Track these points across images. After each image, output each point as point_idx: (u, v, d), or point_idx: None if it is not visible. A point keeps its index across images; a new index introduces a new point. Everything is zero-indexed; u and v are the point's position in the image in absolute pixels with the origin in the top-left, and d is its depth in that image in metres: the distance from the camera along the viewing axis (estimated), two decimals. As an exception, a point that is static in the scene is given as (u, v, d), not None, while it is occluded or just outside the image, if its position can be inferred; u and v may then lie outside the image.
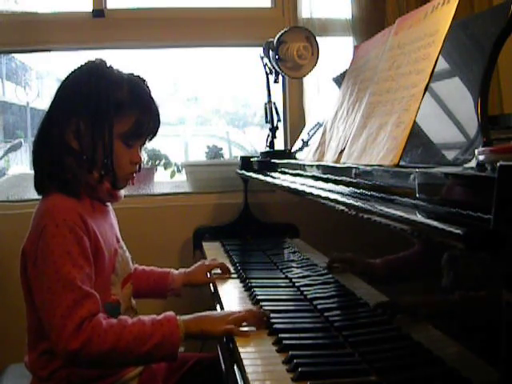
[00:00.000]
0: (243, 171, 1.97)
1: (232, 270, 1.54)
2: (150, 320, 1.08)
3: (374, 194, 0.86)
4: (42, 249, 1.08)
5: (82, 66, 1.21)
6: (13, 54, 2.45)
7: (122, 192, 1.28)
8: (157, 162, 2.39)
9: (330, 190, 1.03)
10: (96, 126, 1.15)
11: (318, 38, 1.75)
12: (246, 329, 1.08)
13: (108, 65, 1.21)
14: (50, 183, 1.16)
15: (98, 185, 1.19)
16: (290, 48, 1.75)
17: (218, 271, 1.52)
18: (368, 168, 0.92)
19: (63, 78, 1.22)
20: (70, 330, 1.01)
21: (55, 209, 1.11)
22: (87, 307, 1.04)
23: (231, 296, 1.35)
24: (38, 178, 1.19)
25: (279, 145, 2.16)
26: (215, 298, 1.36)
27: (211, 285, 1.47)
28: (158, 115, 1.24)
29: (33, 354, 1.17)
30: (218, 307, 1.27)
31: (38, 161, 1.20)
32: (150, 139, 1.27)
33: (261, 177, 1.68)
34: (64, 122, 1.16)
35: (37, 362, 1.16)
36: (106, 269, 1.18)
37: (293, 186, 1.26)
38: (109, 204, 1.29)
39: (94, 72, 1.19)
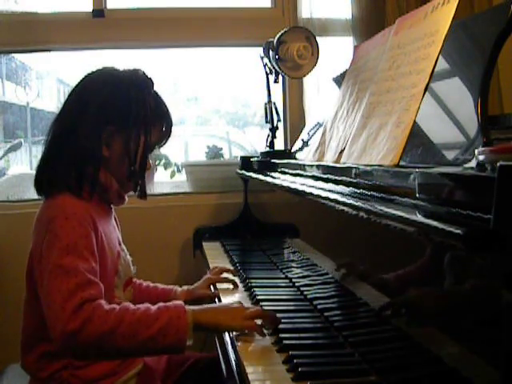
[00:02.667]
0: (243, 171, 1.97)
1: (236, 279, 1.45)
2: (155, 306, 1.05)
3: (373, 194, 0.86)
4: (48, 239, 1.06)
5: (121, 73, 1.21)
6: (13, 54, 2.45)
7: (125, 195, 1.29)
8: (157, 162, 2.39)
9: (330, 190, 1.03)
10: (134, 135, 1.17)
11: (318, 38, 1.75)
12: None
13: (147, 75, 1.22)
14: (64, 185, 1.14)
15: (117, 190, 1.21)
16: (289, 48, 1.75)
17: (224, 286, 1.44)
18: (368, 168, 0.92)
19: (86, 80, 1.21)
20: (70, 311, 0.97)
21: (66, 203, 1.11)
22: (89, 291, 1.01)
23: (231, 296, 1.35)
24: (47, 180, 1.16)
25: (279, 145, 2.16)
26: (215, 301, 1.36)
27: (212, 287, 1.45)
28: (171, 121, 1.26)
29: (30, 357, 1.15)
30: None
31: (56, 164, 1.16)
32: (160, 146, 1.29)
33: (261, 177, 1.68)
34: (99, 130, 1.15)
35: (36, 364, 1.14)
36: (110, 271, 1.17)
37: (293, 185, 1.26)
38: (112, 206, 1.29)
39: (134, 82, 1.19)
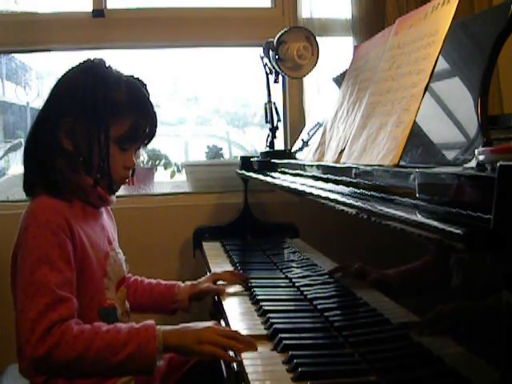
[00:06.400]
0: (243, 171, 1.97)
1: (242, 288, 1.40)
2: (126, 328, 1.03)
3: (373, 194, 0.86)
4: (22, 250, 1.06)
5: (79, 64, 1.19)
6: (13, 54, 2.45)
7: (113, 196, 1.26)
8: (157, 162, 2.39)
9: (330, 190, 1.03)
10: (92, 128, 1.13)
11: (318, 38, 1.75)
12: (231, 353, 1.00)
13: (107, 65, 1.19)
14: (39, 184, 1.13)
15: (91, 189, 1.16)
16: (289, 48, 1.75)
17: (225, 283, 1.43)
18: (368, 168, 0.92)
19: (59, 76, 1.19)
20: (38, 334, 0.97)
21: (39, 210, 1.09)
22: (59, 311, 1.00)
23: (231, 296, 1.35)
24: (26, 178, 1.17)
25: (279, 145, 2.16)
26: (215, 299, 1.36)
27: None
28: (155, 119, 1.21)
29: (24, 362, 1.13)
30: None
31: (28, 160, 1.17)
32: (146, 144, 1.25)
33: (261, 177, 1.68)
34: (57, 121, 1.14)
35: (30, 370, 1.11)
36: (96, 274, 1.15)
37: (293, 185, 1.26)
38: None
39: (92, 71, 1.16)
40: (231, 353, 0.99)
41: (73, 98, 1.14)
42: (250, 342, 1.00)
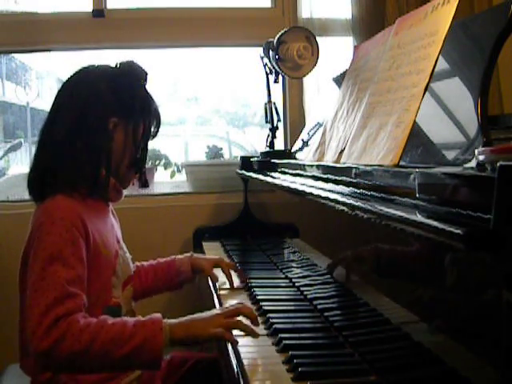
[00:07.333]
0: (243, 171, 1.97)
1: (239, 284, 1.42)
2: (132, 321, 1.02)
3: (373, 194, 0.86)
4: (35, 246, 1.06)
5: (116, 66, 1.23)
6: (13, 54, 2.45)
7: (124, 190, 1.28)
8: (157, 162, 2.39)
9: (330, 190, 1.03)
10: (129, 126, 1.19)
11: (318, 38, 1.75)
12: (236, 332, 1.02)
13: (141, 66, 1.25)
14: (60, 183, 1.13)
15: (110, 183, 1.19)
16: (289, 48, 1.75)
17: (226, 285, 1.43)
18: (368, 168, 0.92)
19: (77, 76, 1.21)
20: (45, 327, 0.97)
21: (54, 207, 1.10)
22: (66, 306, 1.00)
23: (231, 296, 1.35)
24: (44, 180, 1.15)
25: (279, 145, 2.16)
26: (215, 300, 1.36)
27: (211, 284, 1.45)
28: (160, 116, 1.27)
29: (28, 360, 1.14)
30: (217, 306, 1.27)
31: (63, 165, 1.14)
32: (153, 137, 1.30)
33: (261, 177, 1.68)
34: (104, 121, 1.16)
35: (34, 367, 1.13)
36: (106, 271, 1.16)
37: (293, 185, 1.26)
38: (110, 203, 1.28)
39: (131, 73, 1.22)
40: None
41: (119, 98, 1.18)
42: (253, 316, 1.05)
